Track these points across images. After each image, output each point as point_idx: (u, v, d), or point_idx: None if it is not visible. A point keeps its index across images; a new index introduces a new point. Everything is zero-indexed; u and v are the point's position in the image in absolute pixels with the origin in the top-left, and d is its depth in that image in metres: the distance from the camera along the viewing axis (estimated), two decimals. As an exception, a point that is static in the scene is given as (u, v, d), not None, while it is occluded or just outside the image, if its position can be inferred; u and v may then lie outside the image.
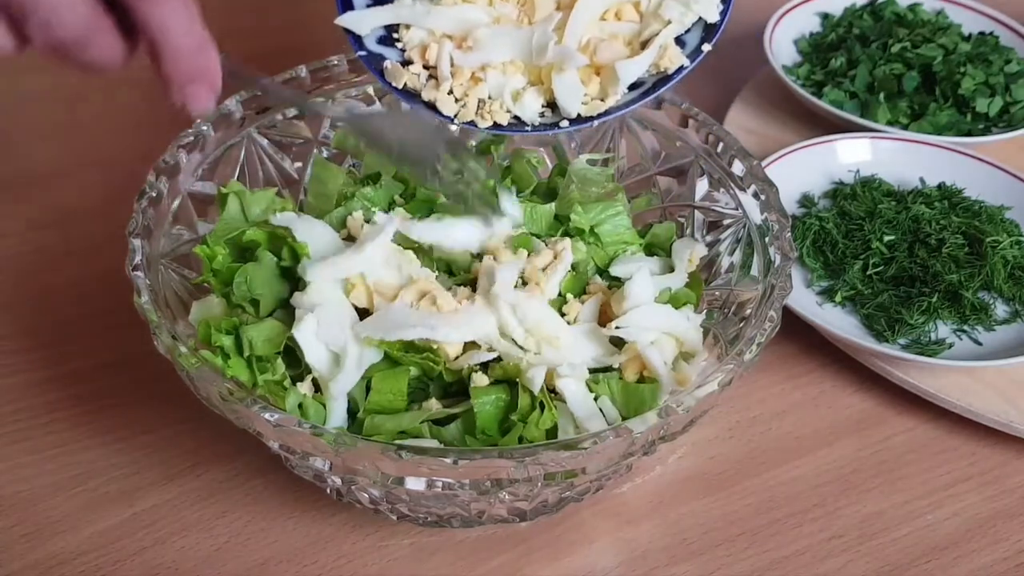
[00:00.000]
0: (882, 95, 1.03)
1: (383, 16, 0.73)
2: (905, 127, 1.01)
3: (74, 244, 0.90)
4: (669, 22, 0.72)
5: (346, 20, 0.73)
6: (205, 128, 0.75)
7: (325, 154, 0.81)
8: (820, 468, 0.77)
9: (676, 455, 0.77)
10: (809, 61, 1.10)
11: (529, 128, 0.71)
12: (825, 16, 1.16)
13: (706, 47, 0.72)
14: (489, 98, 0.72)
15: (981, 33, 1.11)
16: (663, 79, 0.72)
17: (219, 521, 0.71)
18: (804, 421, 0.80)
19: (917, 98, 1.03)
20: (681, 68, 0.71)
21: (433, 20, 0.72)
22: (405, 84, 0.72)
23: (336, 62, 0.80)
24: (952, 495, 0.76)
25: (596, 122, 0.72)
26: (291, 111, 0.79)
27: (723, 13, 0.73)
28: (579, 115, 0.71)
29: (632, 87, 0.72)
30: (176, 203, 0.73)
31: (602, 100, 0.71)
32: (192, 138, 0.74)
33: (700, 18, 0.72)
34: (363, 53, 0.73)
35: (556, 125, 0.71)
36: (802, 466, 0.77)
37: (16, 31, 0.51)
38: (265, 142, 0.79)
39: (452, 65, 0.71)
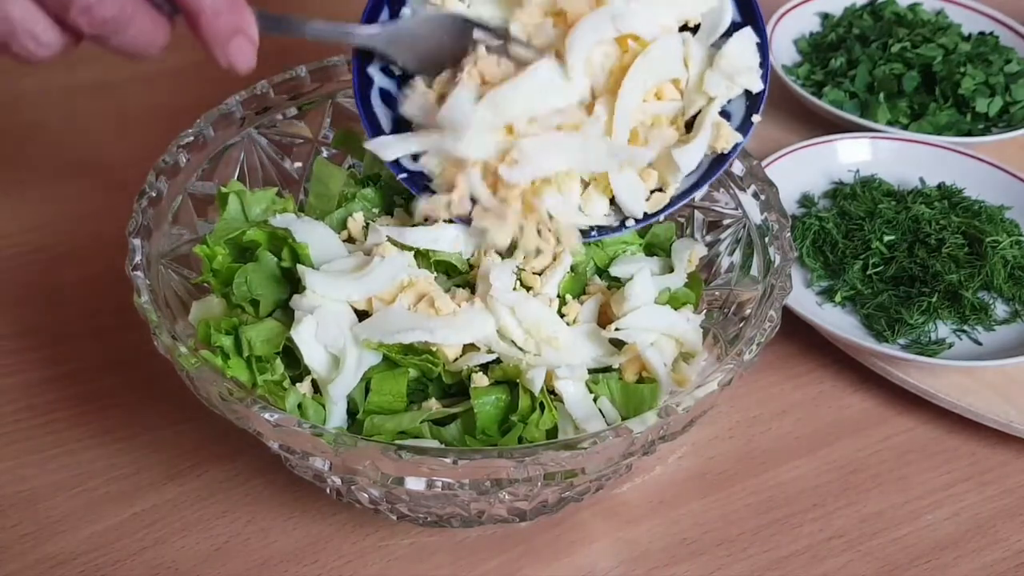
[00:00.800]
0: (882, 95, 1.03)
1: (409, 145, 0.70)
2: (905, 127, 1.01)
3: (74, 244, 0.90)
4: (713, 98, 0.70)
5: (373, 146, 0.70)
6: (205, 128, 0.75)
7: (325, 154, 0.81)
8: (820, 468, 0.77)
9: (676, 455, 0.77)
10: (809, 61, 1.10)
11: (594, 233, 0.70)
12: (825, 16, 1.16)
13: (756, 118, 0.71)
14: (551, 217, 0.68)
15: (981, 33, 1.11)
16: (718, 158, 0.71)
17: (219, 521, 0.71)
18: (804, 421, 0.80)
19: (917, 98, 1.03)
20: (736, 145, 0.70)
21: (464, 147, 0.67)
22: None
23: (336, 62, 0.80)
24: (952, 495, 0.76)
25: (663, 216, 0.71)
26: (291, 111, 0.79)
27: (763, 77, 0.71)
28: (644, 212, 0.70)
29: None
30: (176, 203, 0.73)
31: (661, 190, 0.70)
32: (192, 138, 0.74)
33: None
34: (404, 175, 0.70)
35: (623, 225, 0.70)
36: (802, 466, 0.77)
37: (60, 23, 0.55)
38: (265, 142, 0.79)
39: (502, 185, 0.67)
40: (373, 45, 0.70)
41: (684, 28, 0.72)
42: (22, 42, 0.54)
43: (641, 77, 0.69)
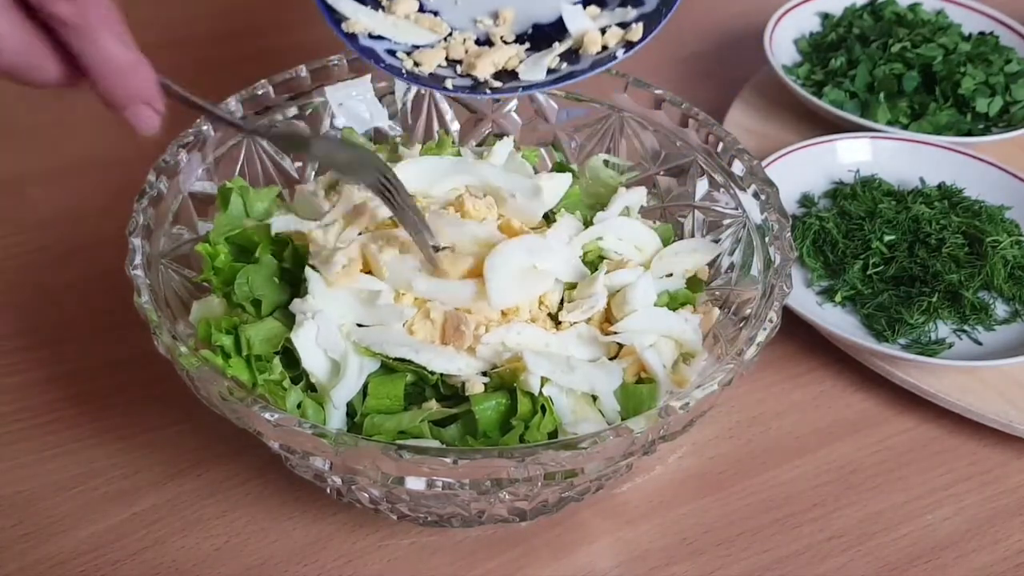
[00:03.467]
0: (882, 95, 1.03)
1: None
2: (905, 127, 1.01)
3: (74, 244, 0.90)
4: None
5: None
6: (205, 128, 0.75)
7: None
8: (820, 468, 0.77)
9: (676, 455, 0.77)
10: (809, 61, 1.10)
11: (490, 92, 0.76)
12: (825, 16, 1.16)
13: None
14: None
15: (981, 33, 1.11)
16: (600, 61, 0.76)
17: (219, 521, 0.71)
18: (804, 421, 0.80)
19: (917, 98, 1.03)
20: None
21: None
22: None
23: (336, 61, 0.80)
24: (952, 495, 0.76)
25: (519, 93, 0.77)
26: (291, 111, 0.79)
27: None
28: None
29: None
30: (176, 203, 0.73)
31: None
32: (192, 138, 0.74)
33: None
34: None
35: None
36: (802, 466, 0.77)
37: None
38: (265, 142, 0.79)
39: None
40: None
41: None
42: None
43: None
